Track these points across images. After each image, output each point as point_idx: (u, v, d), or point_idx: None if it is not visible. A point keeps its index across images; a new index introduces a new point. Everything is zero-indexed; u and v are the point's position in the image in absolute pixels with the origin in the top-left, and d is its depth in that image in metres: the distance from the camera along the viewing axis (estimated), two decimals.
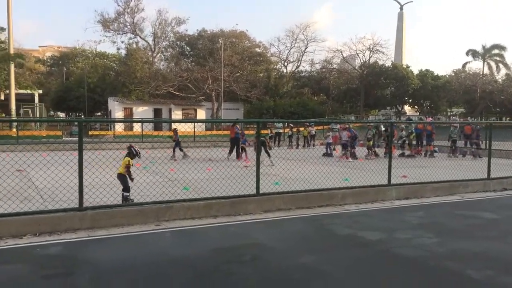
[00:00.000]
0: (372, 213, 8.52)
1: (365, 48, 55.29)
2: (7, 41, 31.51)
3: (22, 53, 38.45)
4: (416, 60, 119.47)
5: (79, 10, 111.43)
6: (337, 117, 50.26)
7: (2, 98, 39.15)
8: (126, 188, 7.81)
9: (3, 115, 36.63)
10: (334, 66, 59.92)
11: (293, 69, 60.82)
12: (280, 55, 59.87)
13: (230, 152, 17.55)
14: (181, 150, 17.65)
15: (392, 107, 59.97)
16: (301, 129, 26.48)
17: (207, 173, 12.06)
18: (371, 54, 55.68)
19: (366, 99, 55.59)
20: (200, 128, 36.39)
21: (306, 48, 58.67)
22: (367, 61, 55.94)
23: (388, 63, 55.92)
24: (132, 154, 7.85)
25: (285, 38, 63.74)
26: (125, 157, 7.88)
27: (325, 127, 30.17)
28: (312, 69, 61.03)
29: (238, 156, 17.45)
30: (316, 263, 5.37)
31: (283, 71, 61.32)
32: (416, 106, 60.80)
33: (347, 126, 18.78)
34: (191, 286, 4.63)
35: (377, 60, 55.89)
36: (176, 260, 5.44)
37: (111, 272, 5.01)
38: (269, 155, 14.67)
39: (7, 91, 32.87)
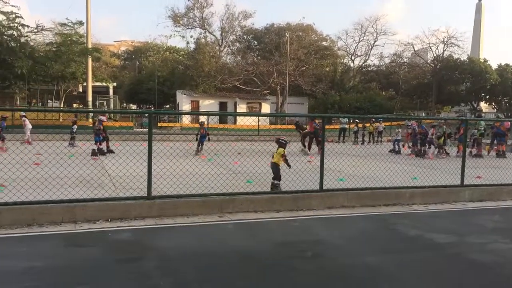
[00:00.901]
0: (443, 215, 8.10)
1: (439, 41, 52.59)
2: (85, 36, 33.44)
3: (99, 48, 40.67)
4: (495, 54, 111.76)
5: (152, 6, 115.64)
6: (406, 113, 48.38)
7: (80, 90, 41.76)
8: (277, 177, 8.52)
9: (81, 106, 39.06)
10: (405, 60, 57.61)
11: (361, 63, 59.26)
12: (348, 49, 58.53)
13: (309, 147, 18.16)
14: (200, 144, 17.26)
15: (467, 103, 56.61)
16: (367, 125, 25.79)
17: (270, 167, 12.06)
18: (445, 48, 52.85)
19: (438, 95, 52.88)
20: (264, 122, 36.61)
21: (375, 42, 56.88)
22: (441, 55, 53.19)
23: (464, 57, 52.82)
24: (283, 144, 8.60)
25: (353, 32, 62.25)
26: (278, 148, 8.59)
27: (393, 123, 29.14)
28: (381, 63, 59.09)
29: (309, 149, 18.21)
30: (381, 264, 5.19)
31: (350, 65, 59.95)
32: (493, 103, 56.97)
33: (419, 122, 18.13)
34: (253, 278, 4.66)
35: (452, 53, 52.99)
36: (238, 252, 5.50)
37: (176, 259, 5.16)
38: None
39: (85, 84, 34.96)
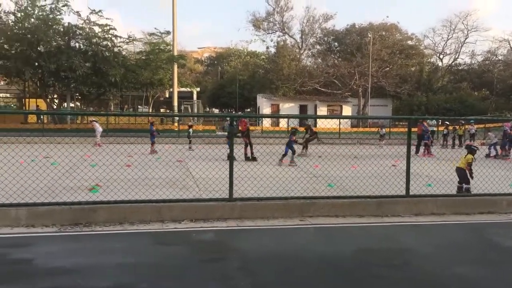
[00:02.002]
0: None
1: None
2: (171, 44, 35.17)
3: (184, 55, 42.58)
4: None
5: (235, 12, 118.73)
6: (503, 114, 44.74)
7: (167, 95, 43.97)
8: (465, 181, 8.61)
9: (167, 110, 41.07)
10: (500, 57, 53.40)
11: (450, 62, 55.95)
12: (435, 47, 55.58)
13: (417, 149, 18.17)
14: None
15: None
16: (457, 127, 24.23)
17: (352, 171, 11.78)
18: None
19: None
20: (345, 124, 35.87)
21: (466, 39, 53.42)
22: None
23: None
24: (474, 151, 8.64)
25: (441, 29, 58.89)
26: (467, 154, 8.62)
27: (487, 125, 27.08)
28: (473, 62, 55.37)
29: (418, 152, 18.21)
30: (473, 275, 4.81)
31: (438, 65, 56.85)
32: None
33: None
34: (334, 285, 4.54)
35: None
36: (320, 256, 5.40)
37: (257, 261, 5.19)
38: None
39: (171, 89, 36.76)
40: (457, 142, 23.91)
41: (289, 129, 19.96)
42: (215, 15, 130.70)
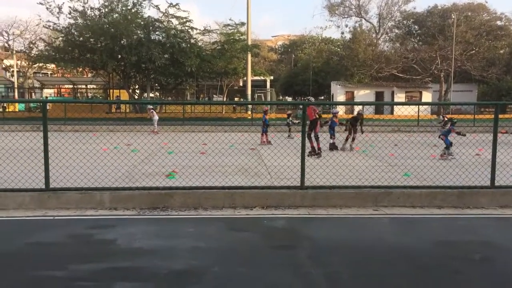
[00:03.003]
0: None
1: None
2: (245, 33, 35.52)
3: (257, 44, 42.84)
4: None
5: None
6: None
7: (241, 84, 44.61)
8: None
9: (241, 99, 41.71)
10: None
11: None
12: None
13: None
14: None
15: None
16: None
17: (431, 160, 11.20)
18: None
19: None
20: (425, 111, 34.19)
21: None
22: None
23: None
24: None
25: None
26: None
27: None
28: None
29: None
30: None
31: None
32: None
33: None
34: (411, 278, 4.34)
35: None
36: (394, 248, 5.20)
37: (328, 250, 5.11)
38: None
39: (245, 78, 37.22)
40: None
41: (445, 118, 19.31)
42: (289, 2, 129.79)
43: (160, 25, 31.68)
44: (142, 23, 31.05)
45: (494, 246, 5.35)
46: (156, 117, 21.87)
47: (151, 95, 37.90)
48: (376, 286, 4.16)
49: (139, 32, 31.10)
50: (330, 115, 15.87)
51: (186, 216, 6.57)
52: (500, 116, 8.95)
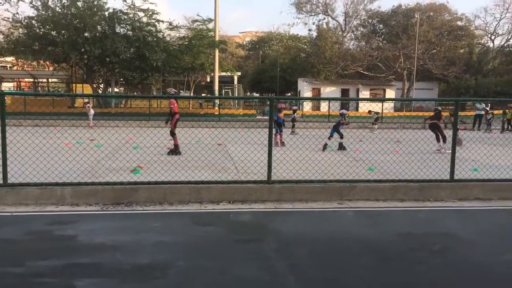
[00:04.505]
0: None
1: None
2: (213, 30, 35.25)
3: (225, 40, 42.58)
4: None
5: None
6: None
7: (208, 80, 44.30)
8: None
9: (208, 95, 41.42)
10: None
11: (502, 43, 53.06)
12: (487, 28, 52.83)
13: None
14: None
15: None
16: (507, 111, 23.08)
17: (394, 155, 11.46)
18: None
19: None
20: (390, 108, 34.96)
21: None
22: None
23: None
24: None
25: (494, 8, 56.04)
26: None
27: None
28: None
29: None
30: None
31: (488, 46, 54.06)
32: None
33: None
34: (373, 269, 4.43)
35: None
36: (358, 240, 5.28)
37: (294, 243, 5.14)
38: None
39: (212, 74, 36.98)
40: (506, 126, 22.83)
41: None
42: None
43: (126, 18, 30.98)
44: (106, 14, 30.27)
45: (452, 237, 5.53)
46: (92, 112, 21.89)
47: (116, 89, 37.02)
48: (340, 276, 4.22)
49: (103, 24, 30.30)
50: (299, 112, 15.60)
51: (151, 211, 6.46)
52: (462, 113, 9.25)
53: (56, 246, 4.93)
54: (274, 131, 13.38)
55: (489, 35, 53.42)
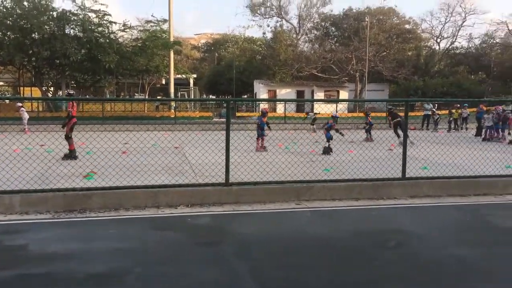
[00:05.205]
0: None
1: None
2: (168, 31, 34.79)
3: (180, 41, 42.12)
4: None
5: None
6: (498, 98, 44.64)
7: (163, 82, 43.66)
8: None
9: (164, 98, 40.81)
10: (497, 40, 53.16)
11: (447, 45, 55.66)
12: (433, 31, 55.20)
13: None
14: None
15: None
16: (453, 111, 24.22)
17: (349, 155, 11.75)
18: None
19: None
20: (344, 109, 35.80)
21: (463, 22, 53.00)
22: None
23: None
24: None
25: (439, 12, 58.62)
26: None
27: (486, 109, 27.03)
28: (470, 45, 55.10)
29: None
30: (471, 257, 4.80)
31: (435, 49, 56.57)
32: None
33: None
34: (331, 266, 4.51)
35: None
36: (316, 239, 5.38)
37: (253, 245, 5.16)
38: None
39: (167, 76, 36.49)
40: (452, 125, 23.95)
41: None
42: (213, 0, 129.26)
43: (76, 18, 29.99)
44: (55, 15, 29.18)
45: (405, 233, 5.74)
46: (26, 115, 20.81)
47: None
48: (299, 275, 4.27)
49: (52, 24, 29.19)
50: (256, 113, 15.55)
51: (106, 217, 6.29)
52: (411, 114, 9.62)
53: (6, 257, 4.69)
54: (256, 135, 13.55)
55: (435, 38, 55.92)
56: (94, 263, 4.49)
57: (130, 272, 4.28)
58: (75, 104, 11.11)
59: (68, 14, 29.48)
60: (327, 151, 12.66)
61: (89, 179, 8.03)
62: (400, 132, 15.22)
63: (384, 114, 27.95)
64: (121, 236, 5.49)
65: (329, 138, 13.17)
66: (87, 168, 8.88)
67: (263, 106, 16.50)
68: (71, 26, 30.13)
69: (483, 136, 18.29)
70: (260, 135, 13.59)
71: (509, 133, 17.96)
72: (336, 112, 15.77)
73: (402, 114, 17.70)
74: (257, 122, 14.22)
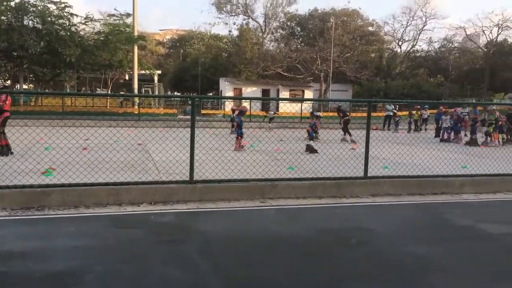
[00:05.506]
0: (496, 204, 7.70)
1: (493, 25, 49.87)
2: (132, 25, 34.10)
3: (144, 36, 41.37)
4: None
5: None
6: (456, 100, 46.40)
7: (127, 78, 42.78)
8: None
9: (127, 93, 39.99)
10: (455, 44, 55.25)
11: (408, 48, 57.38)
12: (395, 34, 56.81)
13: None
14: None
15: None
16: (413, 112, 24.96)
17: (313, 154, 11.90)
18: (500, 31, 50.11)
19: (491, 81, 50.35)
20: (308, 109, 36.16)
21: (424, 26, 54.85)
22: (495, 39, 50.52)
23: None
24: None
25: (401, 16, 60.44)
26: None
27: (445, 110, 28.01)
28: (430, 49, 57.04)
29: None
30: (429, 254, 4.96)
31: (396, 51, 58.17)
32: None
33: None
34: (295, 264, 4.56)
35: (507, 38, 50.18)
36: (280, 237, 5.42)
37: (217, 243, 5.14)
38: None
39: (131, 72, 35.77)
40: (413, 126, 24.67)
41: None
42: None
43: (35, 10, 28.88)
44: (13, 5, 28.00)
45: (367, 230, 5.87)
46: None
47: (25, 86, 34.47)
48: (262, 273, 4.29)
49: (9, 15, 28.01)
50: (222, 111, 15.64)
51: (66, 215, 6.10)
52: (373, 114, 9.84)
53: None
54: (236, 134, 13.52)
55: (397, 41, 57.54)
56: (51, 261, 4.35)
57: (90, 270, 4.17)
58: (9, 97, 10.77)
59: (26, 4, 28.38)
60: (310, 149, 12.82)
61: (48, 176, 7.75)
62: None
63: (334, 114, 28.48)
64: (81, 234, 5.34)
65: (312, 137, 13.45)
66: (45, 164, 8.58)
67: (243, 105, 16.49)
68: (30, 17, 29.02)
69: (440, 137, 18.96)
70: (240, 134, 13.52)
71: (465, 135, 18.68)
72: (303, 111, 16.25)
73: (364, 114, 18.16)
74: (236, 121, 14.25)
